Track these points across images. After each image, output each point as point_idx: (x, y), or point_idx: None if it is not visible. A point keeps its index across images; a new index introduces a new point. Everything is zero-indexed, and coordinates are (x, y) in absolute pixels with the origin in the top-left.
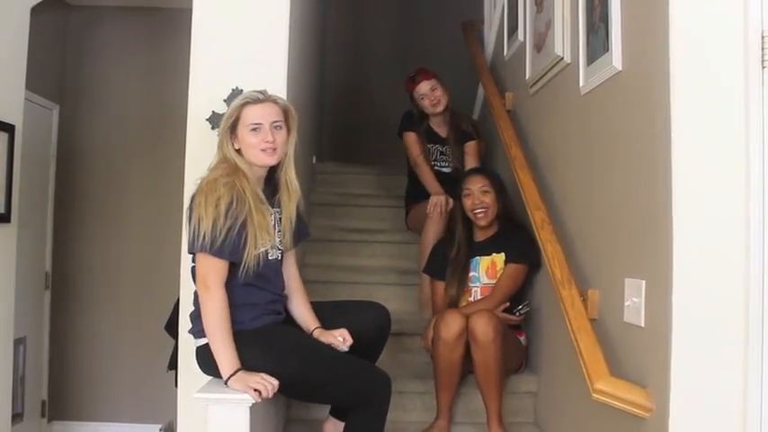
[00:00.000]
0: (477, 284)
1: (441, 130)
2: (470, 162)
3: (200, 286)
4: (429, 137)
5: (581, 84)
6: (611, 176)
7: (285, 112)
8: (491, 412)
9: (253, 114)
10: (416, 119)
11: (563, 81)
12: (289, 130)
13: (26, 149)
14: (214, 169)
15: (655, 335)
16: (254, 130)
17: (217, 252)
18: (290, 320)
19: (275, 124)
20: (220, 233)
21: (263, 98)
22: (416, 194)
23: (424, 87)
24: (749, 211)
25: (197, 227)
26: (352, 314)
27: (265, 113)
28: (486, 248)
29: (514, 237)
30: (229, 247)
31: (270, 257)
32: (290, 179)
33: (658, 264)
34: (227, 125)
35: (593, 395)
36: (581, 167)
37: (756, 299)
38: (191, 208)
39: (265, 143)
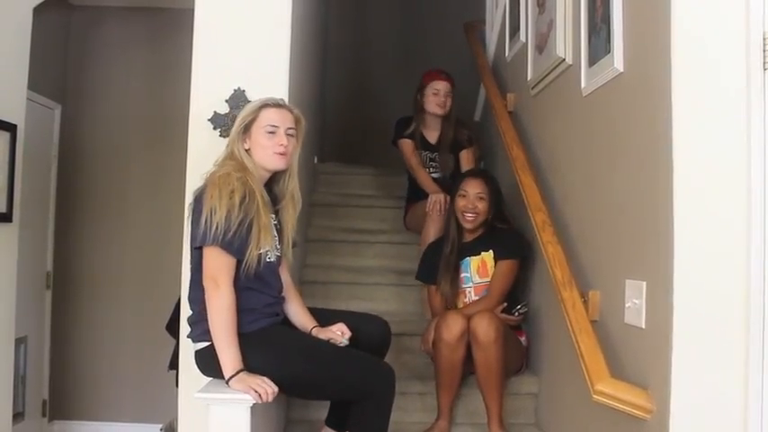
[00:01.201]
0: (470, 285)
1: (431, 136)
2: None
3: (210, 283)
4: (420, 143)
5: (583, 85)
6: (613, 178)
7: (297, 122)
8: (492, 413)
9: (271, 117)
10: (409, 125)
11: (565, 82)
12: (296, 141)
13: (28, 149)
14: (222, 165)
15: (656, 336)
16: (270, 132)
17: (227, 245)
18: (287, 323)
19: (289, 131)
20: (234, 224)
21: (281, 103)
22: (415, 195)
23: (442, 85)
24: (750, 213)
25: (209, 218)
26: (351, 323)
27: (283, 118)
28: (475, 248)
29: (501, 234)
30: (238, 242)
31: (267, 259)
32: (295, 191)
33: (659, 265)
34: (243, 124)
35: (594, 396)
36: (582, 169)
37: (757, 300)
38: (198, 201)
39: (280, 146)
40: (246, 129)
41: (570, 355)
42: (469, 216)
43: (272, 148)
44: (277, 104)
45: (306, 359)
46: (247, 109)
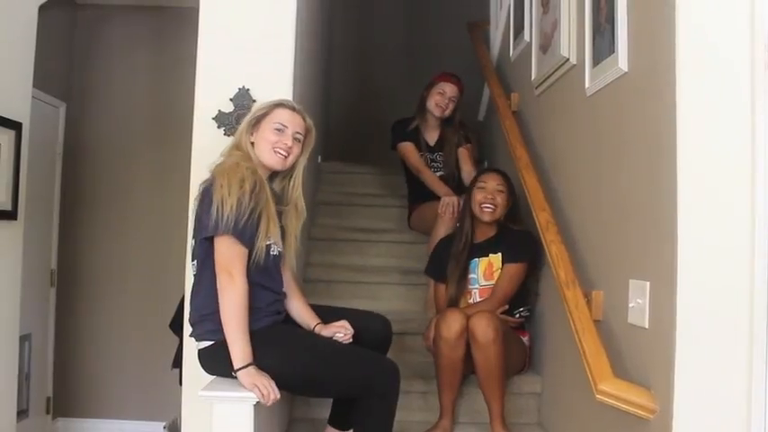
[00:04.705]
0: (476, 286)
1: (430, 137)
2: (465, 167)
3: (224, 275)
4: (418, 146)
5: (587, 85)
6: (617, 178)
7: (307, 131)
8: (493, 413)
9: (283, 116)
10: (407, 127)
11: (569, 82)
12: (303, 150)
13: (33, 147)
14: (229, 155)
15: (659, 336)
16: (278, 129)
17: (239, 234)
18: (289, 321)
19: (297, 134)
20: (245, 212)
21: (297, 108)
22: (420, 197)
23: (449, 88)
24: (754, 213)
25: (220, 207)
26: (354, 321)
27: (294, 121)
28: (484, 250)
29: (511, 237)
30: (249, 231)
31: (272, 252)
32: (299, 201)
33: (663, 265)
34: (254, 116)
35: (597, 396)
36: (586, 169)
37: (761, 300)
38: (207, 193)
39: (282, 144)
40: (257, 122)
41: (573, 354)
42: (488, 208)
43: (276, 144)
44: (293, 107)
45: (310, 357)
46: (262, 104)
